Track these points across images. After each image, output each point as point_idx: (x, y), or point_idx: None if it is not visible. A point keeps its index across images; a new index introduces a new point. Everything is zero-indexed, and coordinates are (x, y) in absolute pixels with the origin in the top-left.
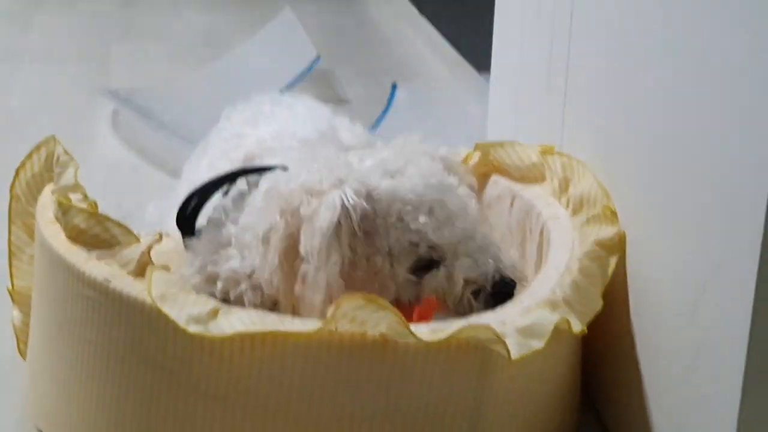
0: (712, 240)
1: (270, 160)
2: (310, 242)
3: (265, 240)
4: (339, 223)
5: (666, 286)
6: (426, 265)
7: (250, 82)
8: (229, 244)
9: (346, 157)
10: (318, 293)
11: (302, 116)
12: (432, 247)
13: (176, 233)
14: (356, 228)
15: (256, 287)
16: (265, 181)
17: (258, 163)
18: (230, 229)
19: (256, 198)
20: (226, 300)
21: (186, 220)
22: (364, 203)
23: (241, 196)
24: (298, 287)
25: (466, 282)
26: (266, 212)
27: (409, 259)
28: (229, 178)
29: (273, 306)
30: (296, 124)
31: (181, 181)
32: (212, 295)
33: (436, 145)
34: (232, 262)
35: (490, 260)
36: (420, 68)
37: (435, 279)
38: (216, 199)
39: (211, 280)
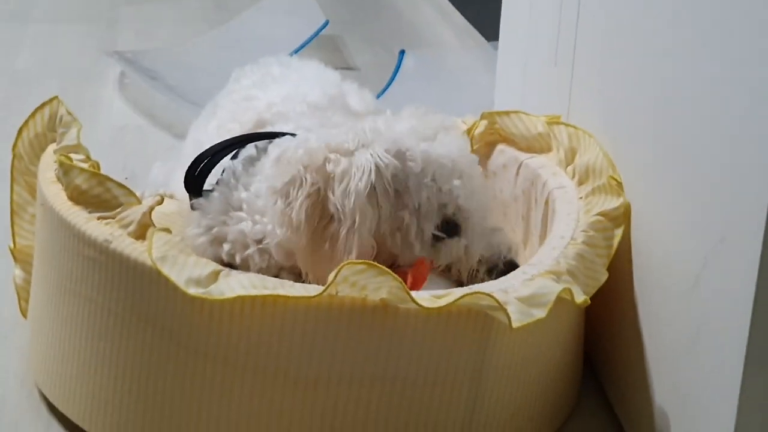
0: (717, 213)
1: (283, 126)
2: (342, 202)
3: (284, 194)
4: (376, 181)
5: (670, 259)
6: (449, 229)
7: (257, 47)
8: (239, 208)
9: (372, 123)
10: (349, 254)
11: (311, 80)
12: (457, 212)
13: (180, 194)
14: (387, 186)
15: (264, 252)
16: (274, 147)
17: (270, 129)
18: (241, 194)
19: (265, 165)
20: (231, 263)
21: (194, 180)
22: (396, 162)
23: (251, 161)
24: (327, 246)
25: (480, 259)
26: (280, 175)
27: (437, 218)
28: (240, 142)
29: (278, 272)
30: (306, 88)
31: (187, 141)
32: (216, 256)
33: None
34: (243, 225)
35: (503, 241)
36: (428, 36)
37: (456, 246)
38: (225, 161)
39: (218, 241)
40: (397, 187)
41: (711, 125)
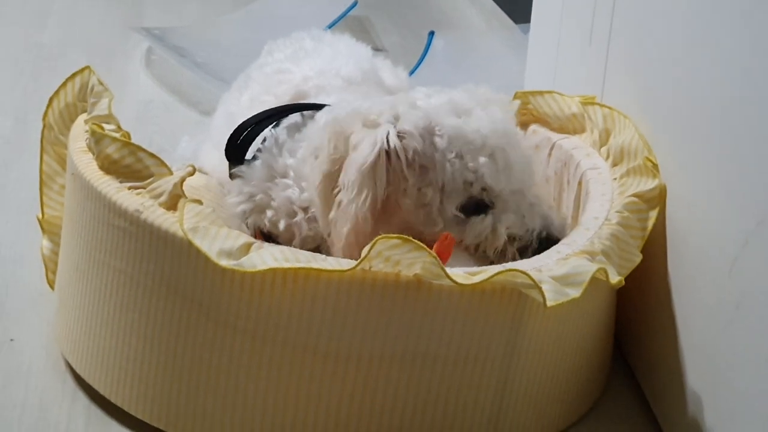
0: (755, 195)
1: (325, 99)
2: (346, 173)
3: (313, 156)
4: (377, 159)
5: (706, 241)
6: (475, 208)
7: (285, 26)
8: (285, 175)
9: (410, 96)
10: (345, 224)
11: (345, 54)
12: (485, 189)
13: (209, 167)
14: (403, 164)
15: (312, 220)
16: (323, 113)
17: (311, 101)
18: (287, 160)
19: (312, 130)
20: (271, 231)
21: (237, 148)
22: (420, 139)
23: (296, 128)
24: (332, 213)
25: (511, 237)
26: (319, 140)
27: (461, 196)
28: (282, 111)
29: (322, 241)
30: (339, 62)
31: (216, 114)
32: (256, 224)
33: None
34: (289, 192)
35: (539, 218)
36: (456, 18)
37: (481, 224)
38: (265, 131)
39: (260, 209)
40: (423, 162)
41: (750, 106)
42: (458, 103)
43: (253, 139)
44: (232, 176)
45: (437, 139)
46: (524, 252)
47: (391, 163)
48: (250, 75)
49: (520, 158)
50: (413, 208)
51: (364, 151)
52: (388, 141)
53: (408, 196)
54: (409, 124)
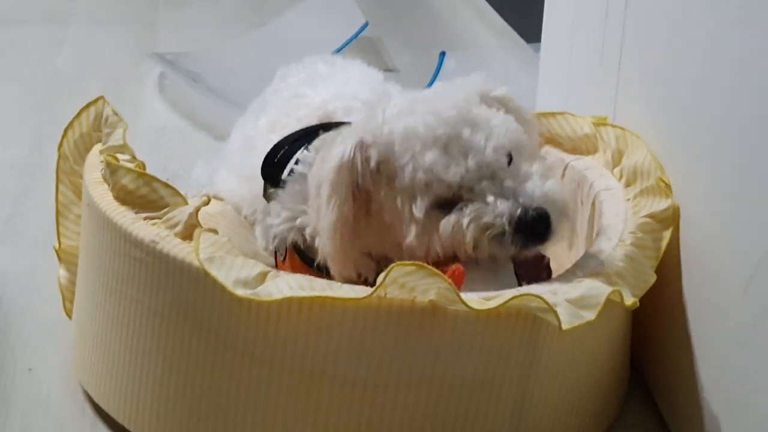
0: None
1: (350, 119)
2: (310, 190)
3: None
4: (337, 173)
5: (721, 261)
6: (447, 206)
7: (296, 48)
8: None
9: (383, 105)
10: (324, 241)
11: (358, 79)
12: (450, 185)
13: (225, 193)
14: (367, 176)
15: None
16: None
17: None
18: None
19: None
20: (310, 247)
21: (274, 167)
22: (383, 148)
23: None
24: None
25: (485, 228)
26: None
27: (426, 199)
28: (313, 132)
29: None
30: (355, 86)
31: (232, 138)
32: (294, 240)
33: (495, 85)
34: None
35: (510, 199)
36: (467, 38)
37: (447, 223)
38: (299, 153)
39: (300, 228)
40: (388, 172)
41: (763, 125)
42: (419, 102)
43: (290, 158)
44: (267, 197)
45: (395, 145)
46: (501, 241)
47: (353, 177)
48: (267, 99)
49: (481, 138)
50: (392, 221)
51: (323, 167)
52: (345, 156)
53: (386, 211)
54: (369, 135)
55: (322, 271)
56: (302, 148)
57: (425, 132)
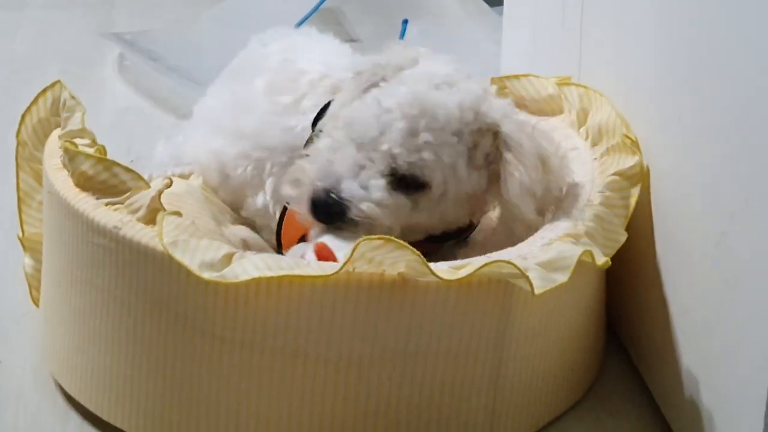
0: (741, 171)
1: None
2: None
3: None
4: None
5: (693, 216)
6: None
7: (258, 23)
8: None
9: None
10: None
11: (336, 51)
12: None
13: (211, 152)
14: None
15: None
16: None
17: None
18: None
19: None
20: None
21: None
22: None
23: None
24: None
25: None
26: None
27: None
28: None
29: None
30: (335, 58)
31: (210, 103)
32: None
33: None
34: None
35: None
36: (430, 4)
37: None
38: None
39: None
40: None
41: (731, 81)
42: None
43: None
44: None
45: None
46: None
47: None
48: (258, 63)
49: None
50: None
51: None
52: None
53: None
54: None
55: None
56: None
57: None
